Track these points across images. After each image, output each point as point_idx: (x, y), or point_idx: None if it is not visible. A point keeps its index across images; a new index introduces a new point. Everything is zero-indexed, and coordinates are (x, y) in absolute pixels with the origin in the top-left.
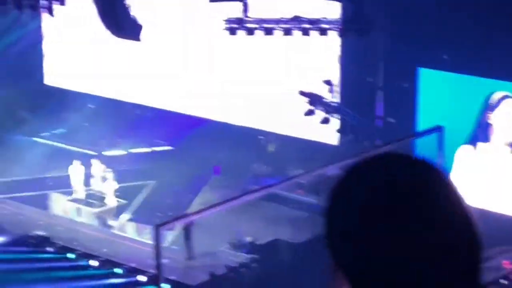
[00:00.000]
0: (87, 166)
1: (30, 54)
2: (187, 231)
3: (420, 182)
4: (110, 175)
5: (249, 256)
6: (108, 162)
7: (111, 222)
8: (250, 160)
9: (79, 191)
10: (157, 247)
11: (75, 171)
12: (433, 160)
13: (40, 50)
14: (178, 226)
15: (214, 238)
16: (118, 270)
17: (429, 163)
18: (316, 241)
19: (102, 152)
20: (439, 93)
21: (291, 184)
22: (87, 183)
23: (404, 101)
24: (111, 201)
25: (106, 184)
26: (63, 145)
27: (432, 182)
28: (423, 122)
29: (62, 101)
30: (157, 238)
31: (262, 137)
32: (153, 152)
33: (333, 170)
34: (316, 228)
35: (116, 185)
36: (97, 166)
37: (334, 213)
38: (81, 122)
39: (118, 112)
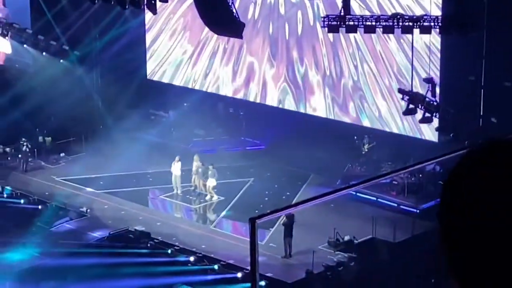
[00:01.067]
0: (187, 163)
1: (133, 50)
2: (286, 229)
3: None
4: (211, 172)
5: (346, 254)
6: (207, 159)
7: (209, 218)
8: (349, 159)
9: (179, 187)
10: (253, 241)
11: (175, 167)
12: None
13: (144, 45)
14: (276, 223)
15: (312, 236)
16: (215, 266)
17: None
18: (413, 241)
19: (197, 150)
20: None
21: (385, 186)
22: (186, 179)
23: (507, 100)
24: (210, 198)
25: (207, 180)
26: (160, 142)
27: None
28: None
29: (160, 97)
30: (253, 232)
31: (355, 137)
32: (250, 150)
33: (431, 167)
34: (414, 228)
35: (215, 182)
36: (197, 163)
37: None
38: (177, 119)
39: (212, 111)
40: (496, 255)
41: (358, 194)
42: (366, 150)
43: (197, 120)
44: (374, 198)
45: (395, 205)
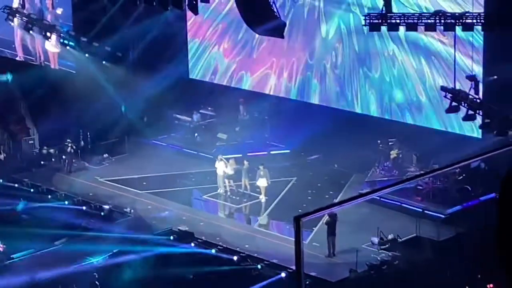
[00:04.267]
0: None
1: (175, 51)
2: (329, 228)
3: None
4: (262, 172)
5: (390, 253)
6: (256, 160)
7: (253, 217)
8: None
9: (222, 187)
10: (298, 240)
11: (218, 167)
12: None
13: (186, 46)
14: (320, 223)
15: (355, 235)
16: (258, 266)
17: None
18: (458, 239)
19: (220, 154)
20: None
21: (410, 190)
22: (230, 179)
23: None
24: (262, 198)
25: (257, 181)
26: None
27: None
28: None
29: (202, 97)
30: (298, 230)
31: (379, 141)
32: (274, 154)
33: (476, 164)
34: (457, 226)
35: (266, 182)
36: (246, 164)
37: None
38: (202, 123)
39: (237, 115)
40: None
41: (382, 199)
42: (395, 155)
43: (221, 125)
44: (399, 203)
45: (420, 210)
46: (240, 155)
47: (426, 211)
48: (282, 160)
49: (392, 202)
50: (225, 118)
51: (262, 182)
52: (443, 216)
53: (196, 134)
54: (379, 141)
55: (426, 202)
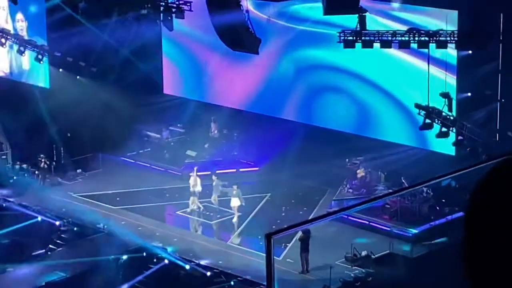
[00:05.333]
0: (205, 179)
1: (150, 65)
2: (302, 244)
3: None
4: (235, 192)
5: (364, 270)
6: (231, 179)
7: (226, 233)
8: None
9: (195, 203)
10: (269, 257)
11: (192, 183)
12: None
13: (160, 60)
14: (294, 239)
15: (329, 252)
16: (231, 282)
17: None
18: (431, 255)
19: (189, 172)
20: None
21: (378, 210)
22: (204, 195)
23: None
24: (235, 217)
25: (231, 201)
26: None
27: None
28: None
29: (176, 113)
30: (269, 248)
31: (347, 159)
32: (244, 172)
33: (447, 182)
34: (430, 243)
35: (239, 202)
36: (215, 180)
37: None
38: (171, 140)
39: (207, 132)
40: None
41: (350, 217)
42: (363, 174)
43: (190, 142)
44: (366, 222)
45: (388, 229)
46: (209, 172)
47: (394, 230)
48: (252, 177)
49: (360, 220)
50: (195, 135)
51: (235, 202)
52: (410, 234)
53: (165, 151)
54: (347, 160)
55: (394, 220)
